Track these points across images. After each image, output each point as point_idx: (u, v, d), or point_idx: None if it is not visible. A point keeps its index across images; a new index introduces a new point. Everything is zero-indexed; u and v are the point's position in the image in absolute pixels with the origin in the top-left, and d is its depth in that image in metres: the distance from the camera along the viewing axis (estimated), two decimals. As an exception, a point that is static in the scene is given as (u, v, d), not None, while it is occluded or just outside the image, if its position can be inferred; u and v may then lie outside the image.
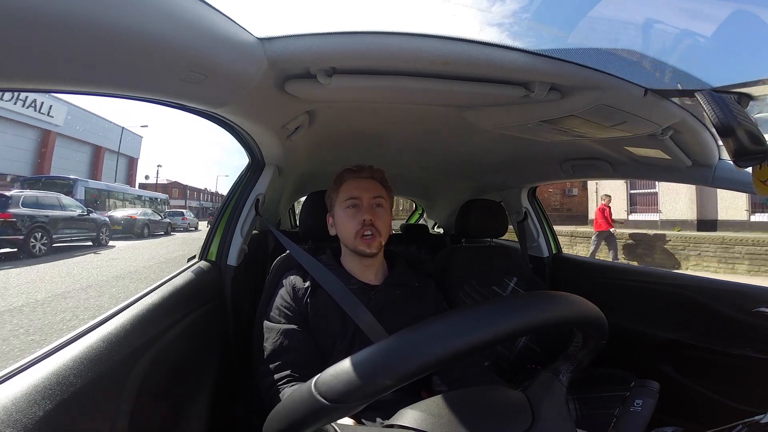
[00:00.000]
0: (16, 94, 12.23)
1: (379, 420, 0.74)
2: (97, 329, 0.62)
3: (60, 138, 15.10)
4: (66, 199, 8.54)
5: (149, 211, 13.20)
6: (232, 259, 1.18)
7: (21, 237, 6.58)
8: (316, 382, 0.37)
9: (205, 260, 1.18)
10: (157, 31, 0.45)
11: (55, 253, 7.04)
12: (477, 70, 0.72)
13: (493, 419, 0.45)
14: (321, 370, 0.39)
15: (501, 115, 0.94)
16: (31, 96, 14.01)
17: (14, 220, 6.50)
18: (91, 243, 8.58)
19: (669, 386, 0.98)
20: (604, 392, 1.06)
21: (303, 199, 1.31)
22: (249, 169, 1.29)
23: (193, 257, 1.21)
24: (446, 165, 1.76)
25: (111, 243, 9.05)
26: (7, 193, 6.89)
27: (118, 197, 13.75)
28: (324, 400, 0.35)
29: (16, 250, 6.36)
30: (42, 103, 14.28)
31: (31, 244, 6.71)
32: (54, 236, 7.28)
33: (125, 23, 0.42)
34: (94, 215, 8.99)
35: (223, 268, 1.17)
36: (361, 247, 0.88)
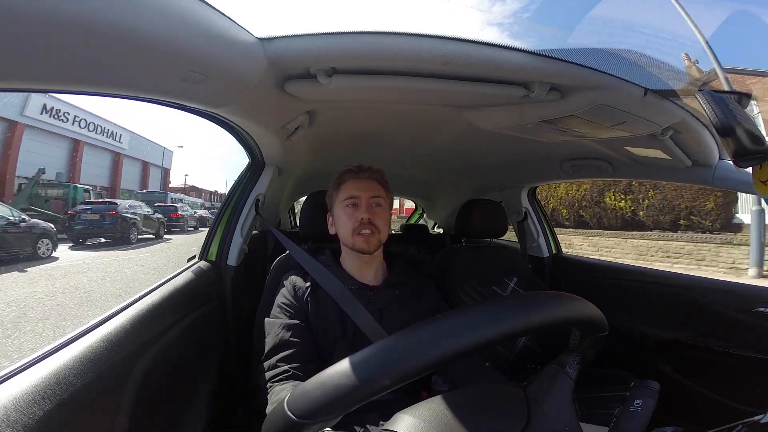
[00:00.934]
0: (98, 126, 18.07)
1: (376, 417, 0.74)
2: (97, 329, 0.62)
3: (125, 158, 20.62)
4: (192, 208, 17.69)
5: (207, 212, 20.29)
6: (232, 259, 1.18)
7: (181, 224, 14.57)
8: (288, 398, 0.38)
9: (205, 260, 1.18)
10: (157, 31, 0.45)
11: (189, 233, 14.40)
12: (477, 70, 0.72)
13: (489, 421, 0.45)
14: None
15: (501, 115, 0.94)
16: (109, 127, 18.83)
17: (180, 216, 14.67)
18: (193, 229, 15.39)
19: (669, 386, 0.98)
20: (604, 392, 1.06)
21: (303, 199, 1.31)
22: (249, 169, 1.29)
23: (193, 257, 1.21)
24: (446, 165, 1.76)
25: (201, 229, 15.46)
26: (177, 205, 15.77)
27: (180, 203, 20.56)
28: (293, 416, 0.36)
29: (179, 230, 14.17)
30: (116, 132, 19.45)
31: (186, 227, 15.01)
32: (189, 224, 15.57)
33: (125, 23, 0.42)
34: (197, 215, 17.30)
35: (223, 268, 1.17)
36: (359, 244, 0.89)
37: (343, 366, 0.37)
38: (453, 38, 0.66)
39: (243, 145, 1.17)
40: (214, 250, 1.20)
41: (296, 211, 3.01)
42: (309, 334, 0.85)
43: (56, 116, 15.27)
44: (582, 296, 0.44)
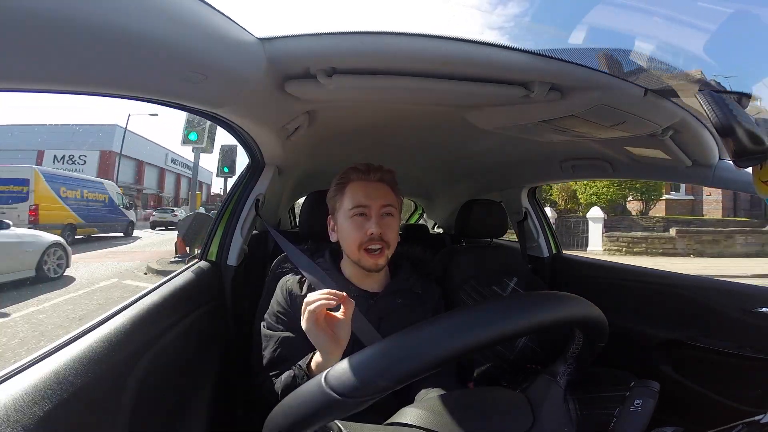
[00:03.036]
0: (184, 163, 25.82)
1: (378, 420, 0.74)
2: (97, 329, 0.62)
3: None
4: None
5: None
6: (232, 259, 1.18)
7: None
8: (326, 376, 0.37)
9: (205, 260, 1.18)
10: (157, 31, 0.45)
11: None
12: (477, 70, 0.72)
13: (495, 418, 0.45)
14: None
15: (501, 115, 0.94)
16: (187, 162, 25.97)
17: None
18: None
19: (669, 386, 0.98)
20: (604, 392, 1.06)
21: (303, 199, 1.31)
22: (249, 169, 1.29)
23: (194, 257, 1.21)
24: (446, 165, 1.76)
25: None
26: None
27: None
28: (335, 394, 0.35)
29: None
30: (190, 165, 31.33)
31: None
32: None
33: (125, 24, 0.42)
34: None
35: (223, 268, 1.17)
36: (365, 262, 0.81)
37: (390, 343, 0.37)
38: (453, 38, 0.66)
39: (243, 145, 1.17)
40: (214, 250, 1.20)
41: (296, 211, 3.00)
42: (305, 344, 0.80)
43: (174, 162, 25.84)
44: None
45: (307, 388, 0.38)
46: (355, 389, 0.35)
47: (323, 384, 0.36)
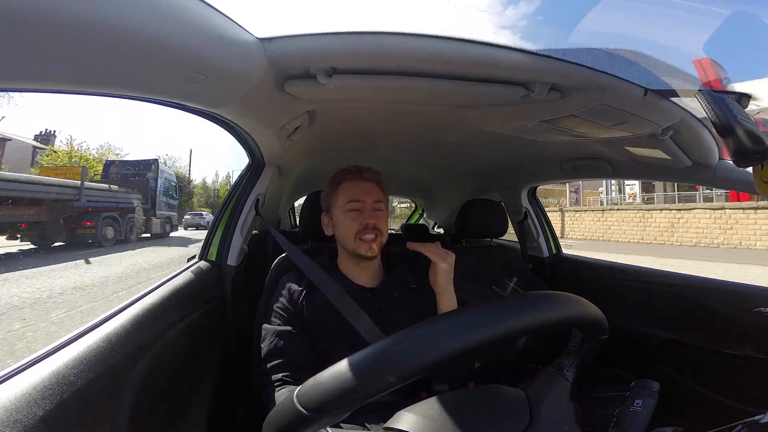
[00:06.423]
0: None
1: (375, 426, 0.74)
2: (97, 329, 0.62)
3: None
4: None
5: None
6: (232, 259, 1.18)
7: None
8: (297, 392, 0.38)
9: (205, 260, 1.18)
10: (157, 31, 0.45)
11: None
12: (477, 70, 0.72)
13: (491, 420, 0.45)
14: (315, 373, 0.39)
15: (501, 115, 0.94)
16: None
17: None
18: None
19: (669, 386, 0.98)
20: (604, 392, 1.05)
21: (303, 199, 1.31)
22: (249, 169, 1.29)
23: (193, 257, 1.21)
24: (446, 165, 1.76)
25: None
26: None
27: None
28: (304, 411, 0.36)
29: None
30: None
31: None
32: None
33: (125, 23, 0.42)
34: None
35: (223, 268, 1.17)
36: (360, 250, 0.88)
37: (356, 359, 0.37)
38: (453, 38, 0.66)
39: (243, 145, 1.17)
40: (214, 250, 1.20)
41: (297, 211, 3.00)
42: (302, 340, 0.84)
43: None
44: (582, 296, 0.44)
45: (284, 403, 0.38)
46: (323, 406, 0.35)
47: (294, 401, 0.37)
